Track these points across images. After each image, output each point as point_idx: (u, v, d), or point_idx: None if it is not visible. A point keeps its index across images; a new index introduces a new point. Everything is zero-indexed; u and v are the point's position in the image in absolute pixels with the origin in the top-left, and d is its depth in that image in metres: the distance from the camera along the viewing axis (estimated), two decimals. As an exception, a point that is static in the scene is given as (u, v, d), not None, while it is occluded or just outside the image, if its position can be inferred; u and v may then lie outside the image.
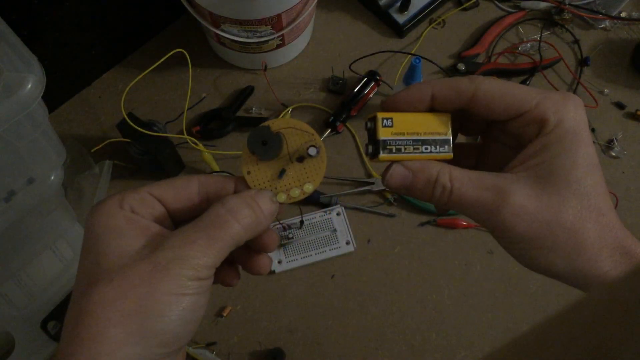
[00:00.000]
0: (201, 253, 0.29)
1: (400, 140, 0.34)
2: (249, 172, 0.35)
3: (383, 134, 0.34)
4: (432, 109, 0.35)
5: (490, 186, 0.32)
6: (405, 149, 0.34)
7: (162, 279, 0.28)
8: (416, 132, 0.34)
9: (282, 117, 0.78)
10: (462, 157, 0.37)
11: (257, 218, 0.32)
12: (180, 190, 0.33)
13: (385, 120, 0.34)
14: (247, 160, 0.35)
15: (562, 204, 0.31)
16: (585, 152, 0.31)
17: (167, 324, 0.28)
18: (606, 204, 0.32)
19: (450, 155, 0.35)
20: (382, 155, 0.34)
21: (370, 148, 0.35)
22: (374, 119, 0.34)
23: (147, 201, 0.32)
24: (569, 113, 0.31)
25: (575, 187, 0.31)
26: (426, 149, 0.34)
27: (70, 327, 0.28)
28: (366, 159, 0.76)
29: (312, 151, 0.34)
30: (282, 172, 0.34)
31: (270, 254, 0.38)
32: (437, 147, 0.34)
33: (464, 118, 0.37)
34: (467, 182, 0.32)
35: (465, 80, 0.33)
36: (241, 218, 0.31)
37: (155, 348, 0.28)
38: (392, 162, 0.34)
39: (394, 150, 0.34)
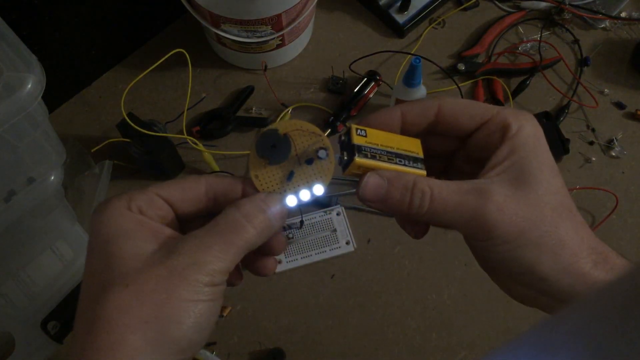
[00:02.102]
0: (217, 259, 0.29)
1: (374, 148, 0.33)
2: (257, 176, 0.34)
3: (357, 141, 0.33)
4: (403, 133, 0.35)
5: (470, 190, 0.31)
6: (380, 157, 0.33)
7: (179, 284, 0.28)
8: (389, 146, 0.34)
9: (282, 117, 0.79)
10: None
11: (269, 223, 0.32)
12: (188, 191, 0.33)
13: (359, 130, 0.34)
14: (255, 164, 0.34)
15: (539, 200, 0.31)
16: (548, 156, 0.33)
17: (183, 331, 0.28)
18: (574, 206, 0.33)
19: (424, 172, 0.34)
20: (358, 158, 0.33)
21: (345, 155, 0.34)
22: (348, 132, 0.34)
23: (155, 202, 0.32)
24: (527, 121, 0.33)
25: (546, 186, 0.32)
26: (400, 161, 0.34)
27: (84, 334, 0.28)
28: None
29: (322, 154, 0.34)
30: (291, 175, 0.34)
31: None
32: (411, 162, 0.34)
33: (430, 140, 0.37)
34: (446, 188, 0.32)
35: (429, 99, 0.35)
36: (257, 223, 0.31)
37: (172, 355, 0.28)
38: (365, 173, 0.33)
39: (369, 156, 0.33)
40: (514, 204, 0.31)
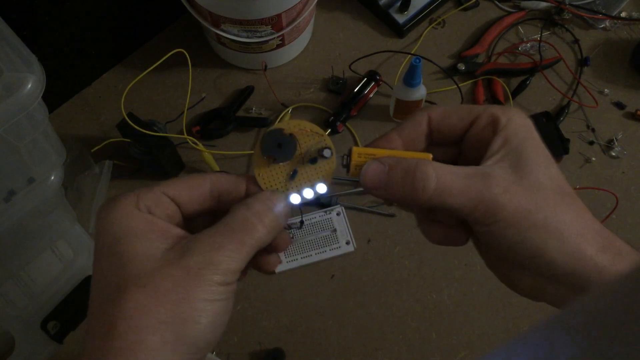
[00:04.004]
0: (230, 258, 0.29)
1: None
2: (260, 175, 0.35)
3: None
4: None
5: (473, 173, 0.31)
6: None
7: (196, 285, 0.28)
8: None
9: (282, 117, 0.79)
10: None
11: (278, 221, 0.32)
12: (194, 190, 0.33)
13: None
14: (259, 162, 0.35)
15: (540, 184, 0.31)
16: (541, 144, 0.33)
17: (200, 331, 0.28)
18: (573, 191, 0.33)
19: (430, 155, 0.34)
20: (355, 147, 0.33)
21: (345, 159, 0.34)
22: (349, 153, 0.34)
23: (163, 201, 0.32)
24: (515, 113, 0.33)
25: (544, 171, 0.32)
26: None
27: (101, 335, 0.28)
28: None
29: (327, 153, 0.34)
30: (294, 174, 0.35)
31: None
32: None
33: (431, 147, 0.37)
34: (449, 171, 0.31)
35: (417, 111, 0.35)
36: (267, 221, 0.31)
37: (189, 355, 0.28)
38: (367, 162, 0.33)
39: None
40: (517, 187, 0.31)
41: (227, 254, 0.29)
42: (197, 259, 0.29)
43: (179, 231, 0.31)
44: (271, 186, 0.34)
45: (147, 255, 0.29)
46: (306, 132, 0.35)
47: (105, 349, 0.27)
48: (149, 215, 0.31)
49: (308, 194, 0.35)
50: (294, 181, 0.35)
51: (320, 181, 0.35)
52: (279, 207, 0.32)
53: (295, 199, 0.34)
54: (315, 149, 0.35)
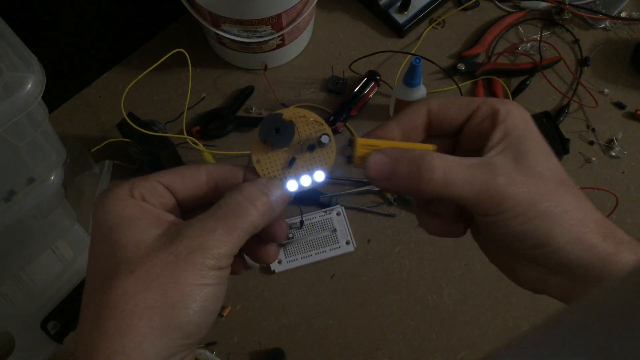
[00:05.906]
0: (221, 242, 0.29)
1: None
2: (258, 161, 0.34)
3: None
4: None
5: (478, 164, 0.31)
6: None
7: (185, 269, 0.28)
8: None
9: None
10: None
11: (271, 205, 0.32)
12: (189, 179, 0.33)
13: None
14: (257, 149, 0.34)
15: (542, 175, 0.31)
16: (540, 137, 0.33)
17: (190, 316, 0.28)
18: (573, 182, 0.33)
19: (431, 146, 0.34)
20: (360, 138, 0.33)
21: (347, 149, 0.34)
22: (350, 143, 0.34)
23: (157, 190, 0.32)
24: (514, 106, 0.33)
25: (545, 163, 0.32)
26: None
27: (91, 321, 0.28)
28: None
29: (325, 139, 0.34)
30: (292, 161, 0.34)
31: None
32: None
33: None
34: (455, 161, 0.31)
35: (417, 102, 0.35)
36: (259, 205, 0.31)
37: (179, 340, 0.28)
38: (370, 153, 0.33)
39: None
40: (521, 177, 0.31)
41: (217, 238, 0.29)
42: (187, 244, 0.29)
43: (172, 218, 0.31)
44: (268, 174, 0.34)
45: (138, 242, 0.29)
46: (306, 120, 0.34)
47: (93, 335, 0.27)
48: (142, 202, 0.31)
49: (306, 181, 0.34)
50: (291, 169, 0.34)
51: (319, 169, 0.34)
52: (275, 193, 0.32)
53: (292, 186, 0.34)
54: (314, 137, 0.34)
